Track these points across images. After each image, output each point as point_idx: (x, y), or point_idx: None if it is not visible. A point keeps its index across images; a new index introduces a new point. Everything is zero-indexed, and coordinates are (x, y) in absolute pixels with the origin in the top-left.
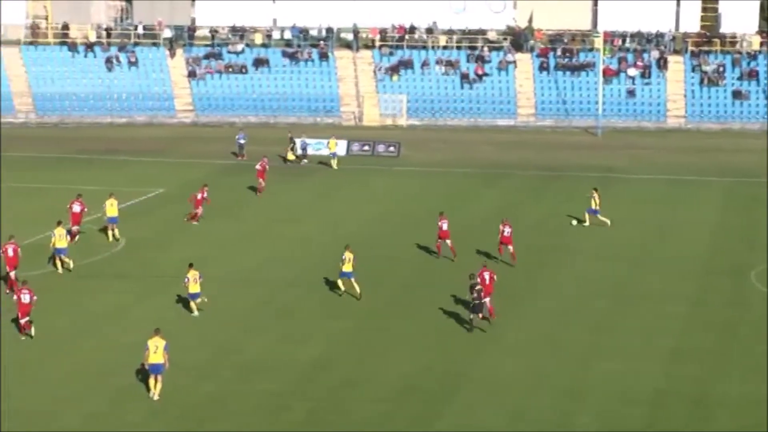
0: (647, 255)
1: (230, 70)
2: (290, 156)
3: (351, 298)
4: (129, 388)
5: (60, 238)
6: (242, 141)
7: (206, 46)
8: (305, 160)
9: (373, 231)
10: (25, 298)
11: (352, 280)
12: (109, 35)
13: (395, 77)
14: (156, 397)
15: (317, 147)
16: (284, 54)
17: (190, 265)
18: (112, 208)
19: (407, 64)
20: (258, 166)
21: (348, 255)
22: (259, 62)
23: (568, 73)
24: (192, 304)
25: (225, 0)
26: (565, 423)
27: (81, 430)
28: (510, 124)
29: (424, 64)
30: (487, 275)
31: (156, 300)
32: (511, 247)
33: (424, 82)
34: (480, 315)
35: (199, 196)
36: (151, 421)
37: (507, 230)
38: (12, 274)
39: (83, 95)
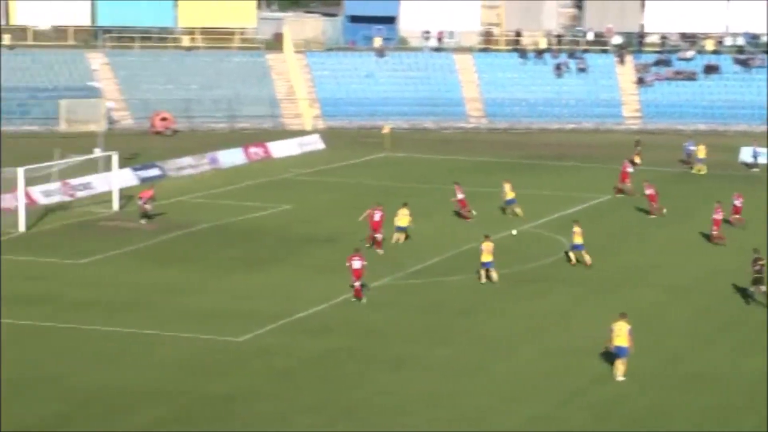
0: None
1: (679, 76)
2: (637, 159)
3: None
4: (573, 393)
5: (402, 217)
6: (692, 148)
7: (655, 52)
8: (756, 169)
9: None
10: (356, 264)
11: (583, 252)
12: (559, 42)
13: None
14: (620, 378)
15: None
16: (735, 61)
17: (486, 236)
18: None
19: None
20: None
21: (577, 229)
22: (709, 69)
23: None
24: (482, 271)
25: (677, 3)
26: None
27: (528, 430)
28: None
29: None
30: None
31: (599, 305)
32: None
33: None
34: (762, 288)
35: (648, 192)
36: (595, 426)
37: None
38: (378, 236)
39: (532, 101)
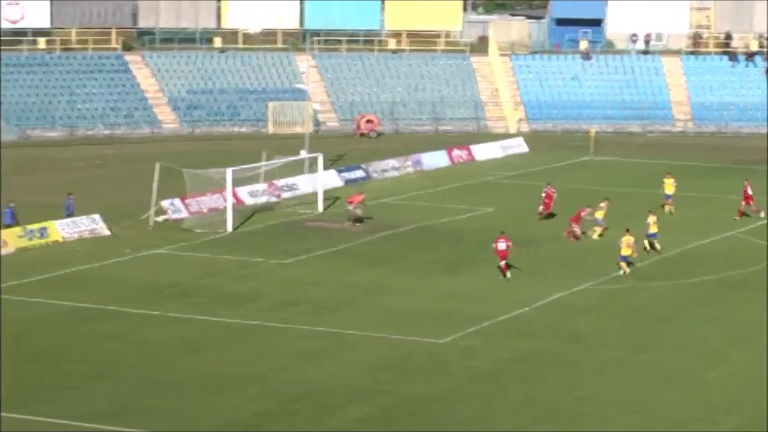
0: None
1: None
2: None
3: None
4: None
5: (600, 211)
6: None
7: None
8: None
9: None
10: (501, 245)
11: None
12: None
13: None
14: None
15: None
16: None
17: (627, 230)
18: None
19: None
20: None
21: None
22: None
23: None
24: (621, 264)
25: None
26: None
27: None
28: None
29: None
30: None
31: None
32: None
33: None
34: None
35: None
36: None
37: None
38: (576, 229)
39: (742, 105)
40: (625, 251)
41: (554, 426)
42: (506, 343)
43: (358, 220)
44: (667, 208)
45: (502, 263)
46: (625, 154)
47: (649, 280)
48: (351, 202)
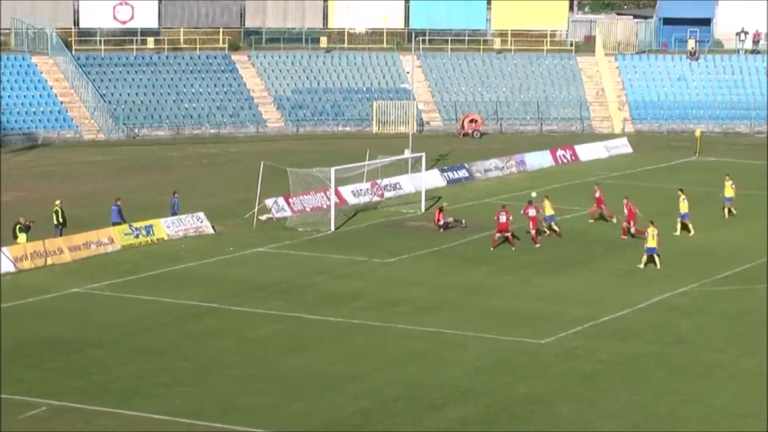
0: None
1: None
2: None
3: None
4: None
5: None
6: None
7: None
8: None
9: None
10: (502, 218)
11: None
12: None
13: None
14: None
15: None
16: None
17: (651, 222)
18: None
19: None
20: None
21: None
22: None
23: None
24: (644, 257)
25: None
26: None
27: None
28: None
29: None
30: None
31: None
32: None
33: None
34: None
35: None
36: None
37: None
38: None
39: None
40: (651, 243)
41: (658, 429)
42: (608, 345)
43: (451, 225)
44: (727, 210)
45: (499, 235)
46: (731, 155)
47: (755, 283)
48: (436, 221)
